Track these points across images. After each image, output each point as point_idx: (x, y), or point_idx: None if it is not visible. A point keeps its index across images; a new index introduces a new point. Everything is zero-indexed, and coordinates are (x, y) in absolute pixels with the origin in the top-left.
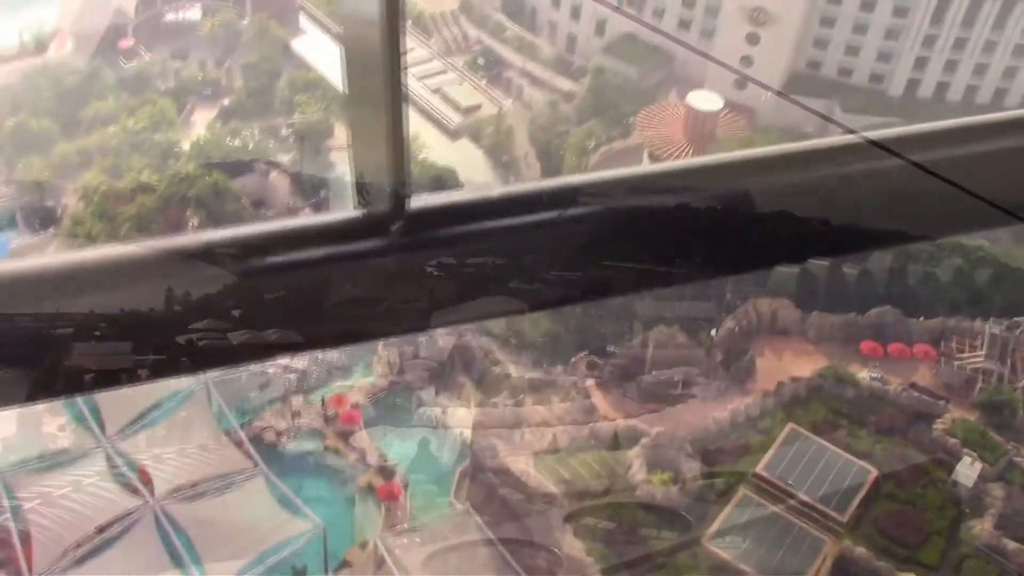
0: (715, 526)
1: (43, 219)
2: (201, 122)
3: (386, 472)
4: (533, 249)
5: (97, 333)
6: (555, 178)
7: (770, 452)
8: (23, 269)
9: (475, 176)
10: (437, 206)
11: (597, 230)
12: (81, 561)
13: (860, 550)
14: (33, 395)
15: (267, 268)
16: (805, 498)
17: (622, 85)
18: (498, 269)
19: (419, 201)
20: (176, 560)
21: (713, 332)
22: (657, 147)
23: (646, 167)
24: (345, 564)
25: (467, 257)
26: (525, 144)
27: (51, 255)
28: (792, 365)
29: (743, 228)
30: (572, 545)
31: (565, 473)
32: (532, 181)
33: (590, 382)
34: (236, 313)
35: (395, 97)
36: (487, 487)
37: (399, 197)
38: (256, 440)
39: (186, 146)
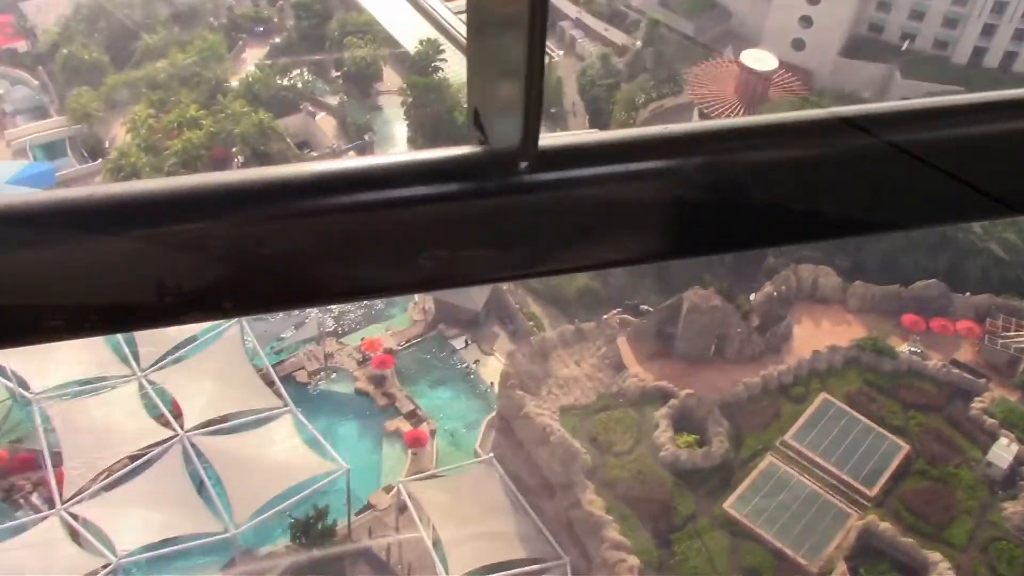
0: (738, 491)
1: (91, 150)
2: (251, 59)
3: (414, 418)
4: (658, 198)
5: (162, 267)
6: (689, 124)
7: (800, 421)
8: (88, 197)
9: None
10: (570, 145)
11: (725, 181)
12: (110, 487)
13: (885, 525)
14: (71, 330)
15: (373, 204)
16: (833, 469)
17: (677, 40)
18: (627, 216)
19: (549, 139)
20: (202, 491)
21: (753, 296)
22: (708, 105)
23: (770, 118)
24: (369, 507)
25: (596, 201)
26: (573, 96)
27: (144, 181)
28: (830, 334)
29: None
30: (592, 502)
31: (590, 429)
32: (673, 124)
33: (622, 340)
34: (329, 251)
35: (538, 22)
36: (512, 439)
37: (530, 133)
38: (288, 379)
39: (234, 83)
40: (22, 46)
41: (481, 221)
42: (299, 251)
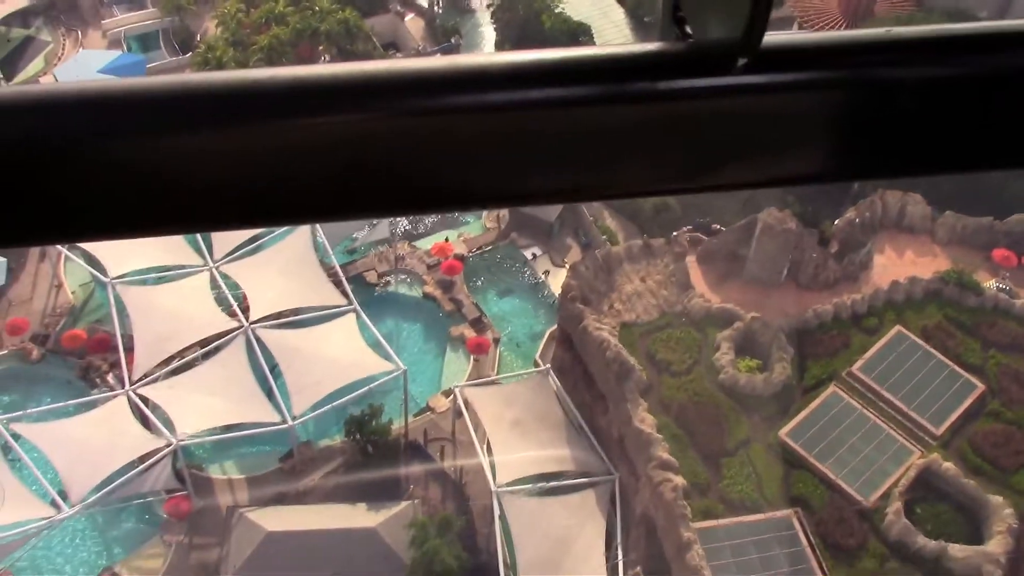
0: (796, 420)
1: (182, 43)
2: None
3: (479, 325)
4: (873, 109)
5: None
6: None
7: (870, 352)
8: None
9: (611, 36)
10: (794, 45)
11: (961, 93)
12: (175, 372)
13: (948, 465)
14: (145, 228)
15: (558, 101)
16: (899, 404)
17: None
18: (833, 128)
19: (769, 37)
20: (262, 382)
21: (837, 222)
22: (808, 19)
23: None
24: (427, 409)
25: (808, 109)
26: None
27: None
28: (912, 265)
29: None
30: (643, 419)
31: (649, 347)
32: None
33: (691, 259)
34: (492, 151)
35: None
36: (570, 352)
37: (756, 27)
38: (357, 279)
39: None
40: None
41: (680, 123)
42: (458, 150)
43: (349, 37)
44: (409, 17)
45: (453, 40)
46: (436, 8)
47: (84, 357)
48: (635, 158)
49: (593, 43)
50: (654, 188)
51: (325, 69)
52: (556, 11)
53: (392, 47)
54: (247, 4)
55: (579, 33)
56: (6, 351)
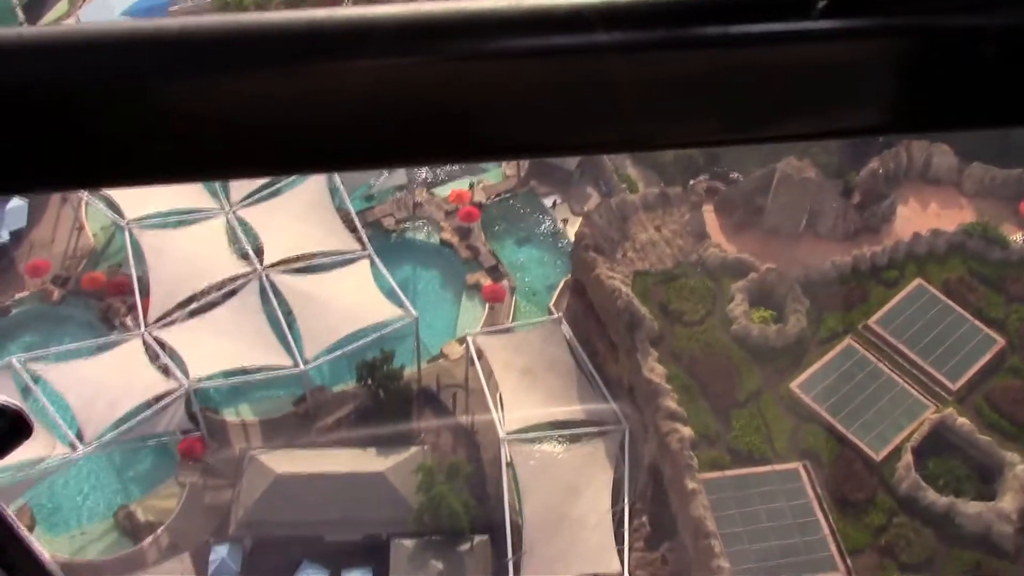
0: (808, 372)
1: None
2: None
3: (496, 273)
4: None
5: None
6: None
7: (889, 305)
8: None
9: None
10: None
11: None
12: (189, 316)
13: (963, 420)
14: (183, 174)
15: (612, 46)
16: (916, 359)
17: None
18: (902, 77)
19: None
20: (275, 326)
21: (860, 173)
22: None
23: None
24: (441, 356)
25: (885, 56)
26: None
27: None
28: (936, 217)
29: None
30: (653, 369)
31: (662, 296)
32: None
33: (708, 208)
34: (539, 97)
35: None
36: (583, 300)
37: None
38: (374, 225)
39: None
40: None
41: (751, 70)
42: (515, 97)
43: None
44: None
45: None
46: None
47: (104, 299)
48: (699, 107)
49: None
50: (718, 138)
51: (382, 10)
52: None
53: None
54: None
55: None
56: (27, 293)
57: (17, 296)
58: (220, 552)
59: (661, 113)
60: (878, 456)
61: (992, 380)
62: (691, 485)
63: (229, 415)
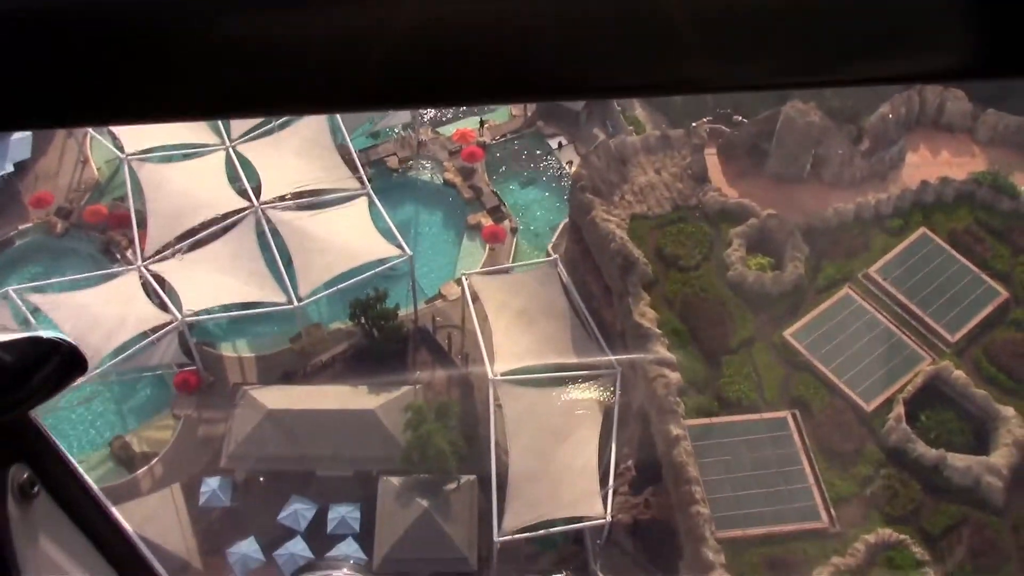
0: (803, 320)
1: None
2: None
3: (498, 214)
4: None
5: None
6: None
7: (890, 254)
8: None
9: None
10: None
11: None
12: (185, 250)
13: (959, 373)
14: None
15: None
16: (915, 309)
17: None
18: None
19: None
20: (271, 262)
21: (870, 117)
22: None
23: None
24: (439, 296)
25: None
26: None
27: None
28: (947, 165)
29: None
30: (644, 313)
31: (658, 240)
32: None
33: (710, 151)
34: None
35: None
36: (580, 243)
37: None
38: (377, 164)
39: None
40: None
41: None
42: (570, 34)
43: None
44: None
45: None
46: None
47: (106, 232)
48: (767, 45)
49: None
50: (783, 80)
51: None
52: None
53: None
54: None
55: None
56: (31, 224)
57: (20, 227)
58: (211, 484)
59: (725, 52)
60: (869, 407)
61: (993, 333)
62: (675, 431)
63: (226, 350)
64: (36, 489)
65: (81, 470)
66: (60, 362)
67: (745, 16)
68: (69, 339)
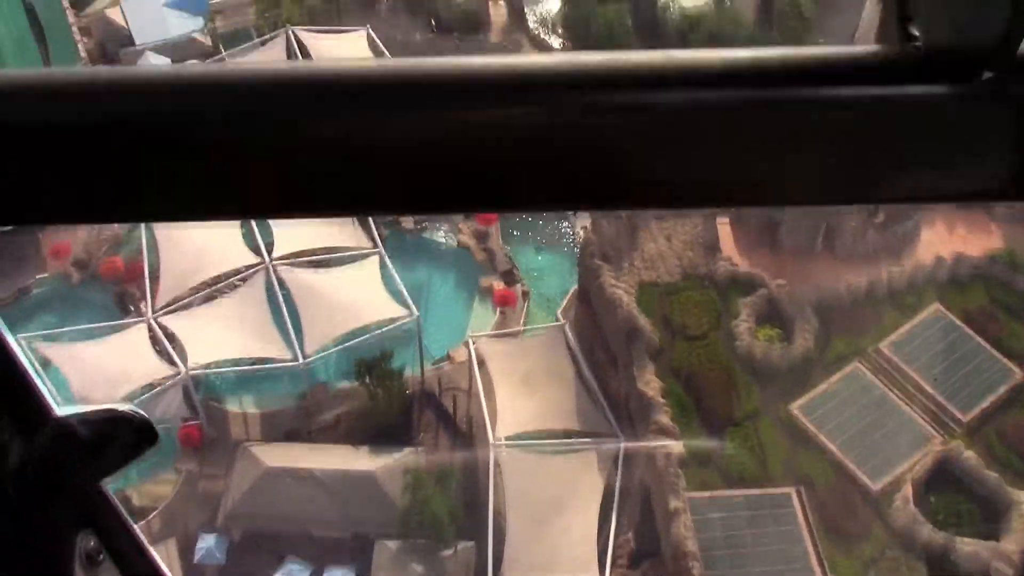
0: (811, 394)
1: None
2: None
3: (510, 278)
4: None
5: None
6: None
7: (902, 330)
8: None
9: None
10: None
11: None
12: (195, 303)
13: (970, 455)
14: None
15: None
16: (926, 387)
17: None
18: None
19: None
20: (278, 319)
21: None
22: None
23: None
24: (447, 359)
25: None
26: None
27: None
28: (963, 241)
29: None
30: (648, 382)
31: (666, 308)
32: None
33: (722, 220)
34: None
35: None
36: (589, 309)
37: (1014, 34)
38: (391, 224)
39: None
40: None
41: (902, 132)
42: (631, 148)
43: None
44: None
45: None
46: None
47: (121, 284)
48: (831, 164)
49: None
50: (835, 197)
51: (491, 60)
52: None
53: None
54: None
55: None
56: (48, 274)
57: (38, 277)
58: (207, 541)
59: (784, 170)
60: (876, 486)
61: (1007, 414)
62: (675, 504)
63: (232, 406)
64: (101, 557)
65: (145, 541)
66: (133, 434)
67: (815, 135)
68: (142, 412)
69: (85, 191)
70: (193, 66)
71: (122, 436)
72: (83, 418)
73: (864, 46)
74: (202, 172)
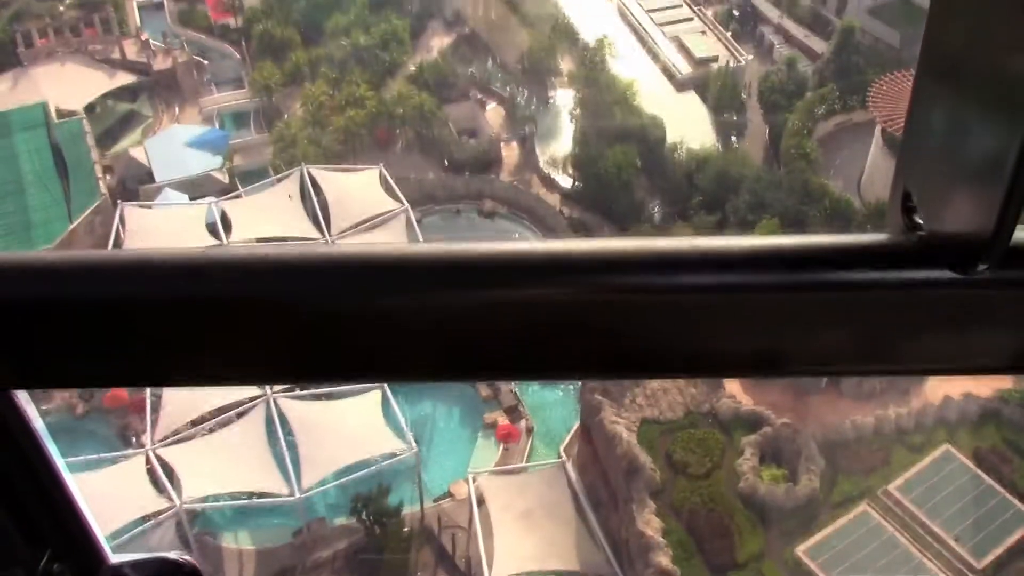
0: (818, 536)
1: (270, 122)
2: (436, 47)
3: (514, 413)
4: None
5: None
6: None
7: (912, 471)
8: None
9: (689, 132)
10: None
11: None
12: (195, 436)
13: None
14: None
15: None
16: (938, 531)
17: (875, 50)
18: None
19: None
20: (276, 453)
21: None
22: (893, 123)
23: None
24: (447, 495)
25: None
26: (755, 104)
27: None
28: (971, 381)
29: None
30: (649, 522)
31: (668, 446)
32: None
33: None
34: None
35: None
36: (591, 445)
37: (1005, 229)
38: None
39: (411, 67)
40: (233, 22)
41: (900, 316)
42: (651, 326)
43: (425, 123)
44: (491, 106)
45: (527, 129)
46: (518, 99)
47: (124, 416)
48: (839, 340)
49: (664, 136)
50: (852, 368)
51: (523, 246)
52: (634, 103)
53: (470, 134)
54: (333, 87)
55: (650, 127)
56: (53, 405)
57: (42, 407)
58: None
59: (792, 347)
60: None
61: (1022, 561)
62: None
63: (228, 541)
64: None
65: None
66: None
67: (819, 316)
68: (191, 560)
69: (114, 358)
70: (224, 249)
71: None
72: (135, 564)
73: (872, 234)
74: (240, 342)
